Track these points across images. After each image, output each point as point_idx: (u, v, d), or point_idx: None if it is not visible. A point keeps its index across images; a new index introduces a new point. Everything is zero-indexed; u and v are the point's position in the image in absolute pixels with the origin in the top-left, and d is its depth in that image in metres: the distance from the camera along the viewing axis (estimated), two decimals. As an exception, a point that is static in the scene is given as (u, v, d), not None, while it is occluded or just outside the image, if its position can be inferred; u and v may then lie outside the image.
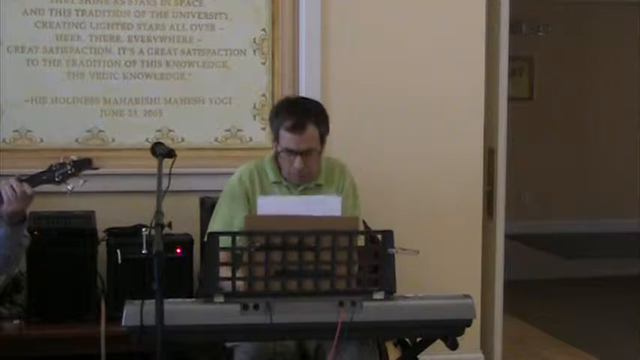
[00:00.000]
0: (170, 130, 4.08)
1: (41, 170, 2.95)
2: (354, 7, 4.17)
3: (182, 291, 3.31)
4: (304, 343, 3.04)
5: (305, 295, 2.63)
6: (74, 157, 2.98)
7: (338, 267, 2.65)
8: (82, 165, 2.98)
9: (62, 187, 2.96)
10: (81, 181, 2.97)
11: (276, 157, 3.23)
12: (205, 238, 3.23)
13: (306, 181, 3.21)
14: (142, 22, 4.02)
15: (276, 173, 3.23)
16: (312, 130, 3.13)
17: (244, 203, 3.19)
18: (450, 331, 2.72)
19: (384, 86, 4.21)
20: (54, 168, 2.94)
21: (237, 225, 3.10)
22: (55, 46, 3.95)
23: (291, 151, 3.13)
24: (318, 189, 3.24)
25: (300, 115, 3.14)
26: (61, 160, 2.96)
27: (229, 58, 4.11)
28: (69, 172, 2.94)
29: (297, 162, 3.13)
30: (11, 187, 2.84)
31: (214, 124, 4.12)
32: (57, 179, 2.94)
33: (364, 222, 3.39)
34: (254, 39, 4.13)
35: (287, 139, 3.13)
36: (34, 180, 2.90)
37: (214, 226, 3.20)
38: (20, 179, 2.88)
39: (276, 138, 3.19)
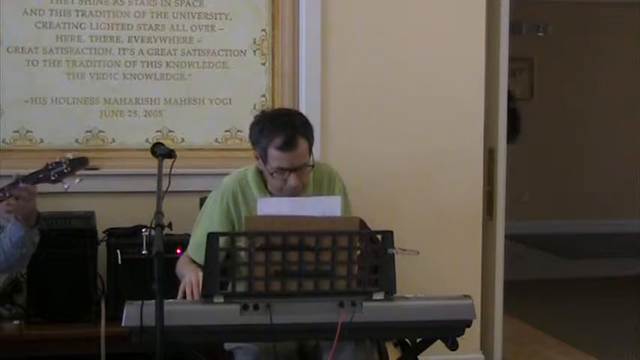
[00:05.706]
0: (170, 131, 4.08)
1: (37, 169, 2.94)
2: (354, 7, 4.17)
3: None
4: (304, 344, 3.03)
5: (305, 295, 2.62)
6: (70, 156, 2.97)
7: (338, 267, 2.65)
8: (78, 163, 2.97)
9: (58, 186, 2.96)
10: (77, 180, 2.97)
11: (260, 171, 3.09)
12: (188, 249, 3.14)
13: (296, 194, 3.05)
14: (142, 23, 4.02)
15: (261, 187, 3.08)
16: (303, 145, 2.97)
17: (221, 221, 3.07)
18: (450, 332, 2.71)
19: (384, 86, 4.21)
20: (50, 167, 2.93)
21: None
22: (55, 46, 3.95)
23: (284, 170, 2.97)
24: None
25: (289, 131, 2.95)
26: (57, 159, 2.96)
27: (229, 59, 4.11)
28: (65, 170, 2.93)
29: (293, 179, 2.97)
30: (18, 188, 2.84)
31: (214, 124, 4.12)
32: (53, 178, 2.92)
33: (363, 222, 3.38)
34: (254, 39, 4.13)
35: (278, 157, 2.95)
36: (30, 179, 2.89)
37: (193, 239, 3.12)
38: (17, 180, 2.88)
39: (263, 157, 2.99)
